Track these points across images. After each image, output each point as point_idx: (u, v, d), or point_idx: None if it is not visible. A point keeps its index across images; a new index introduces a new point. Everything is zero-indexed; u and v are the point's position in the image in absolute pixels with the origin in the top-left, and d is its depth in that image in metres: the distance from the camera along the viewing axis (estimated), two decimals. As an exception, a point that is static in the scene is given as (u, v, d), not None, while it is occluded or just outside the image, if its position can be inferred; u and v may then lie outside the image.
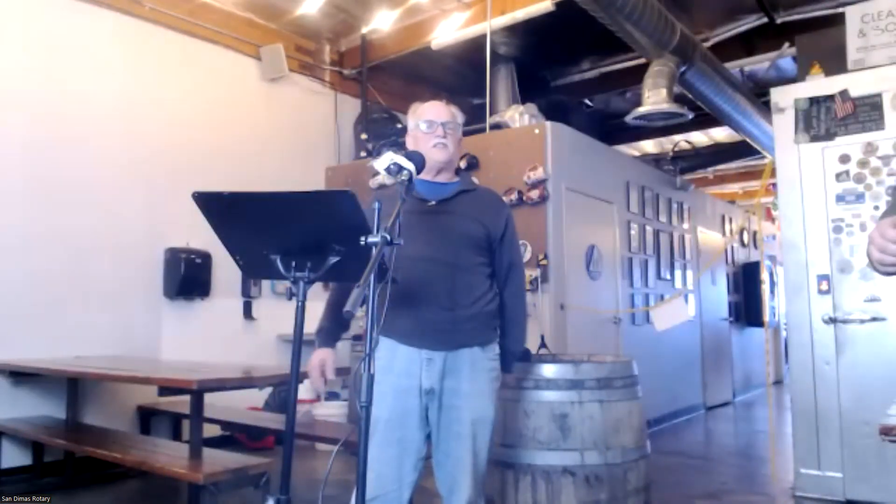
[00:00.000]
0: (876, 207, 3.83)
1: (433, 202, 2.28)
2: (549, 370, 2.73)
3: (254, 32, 6.24)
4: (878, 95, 3.91)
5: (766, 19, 6.04)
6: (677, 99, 5.45)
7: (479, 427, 2.21)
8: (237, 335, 5.80)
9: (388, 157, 1.91)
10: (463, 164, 5.54)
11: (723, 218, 8.81)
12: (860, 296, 3.86)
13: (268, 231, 1.95)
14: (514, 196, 5.22)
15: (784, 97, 4.22)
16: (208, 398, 3.55)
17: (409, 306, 2.15)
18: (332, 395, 5.78)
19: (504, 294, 2.35)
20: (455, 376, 2.20)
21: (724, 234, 8.71)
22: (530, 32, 6.21)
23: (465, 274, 2.23)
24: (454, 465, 2.21)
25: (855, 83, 4.00)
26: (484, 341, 2.25)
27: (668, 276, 7.02)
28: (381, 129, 6.76)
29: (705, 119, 7.29)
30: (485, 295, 2.26)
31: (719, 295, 8.39)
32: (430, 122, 2.30)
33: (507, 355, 2.34)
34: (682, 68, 5.54)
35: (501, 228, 2.32)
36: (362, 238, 1.68)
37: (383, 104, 7.17)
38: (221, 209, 1.99)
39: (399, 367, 2.20)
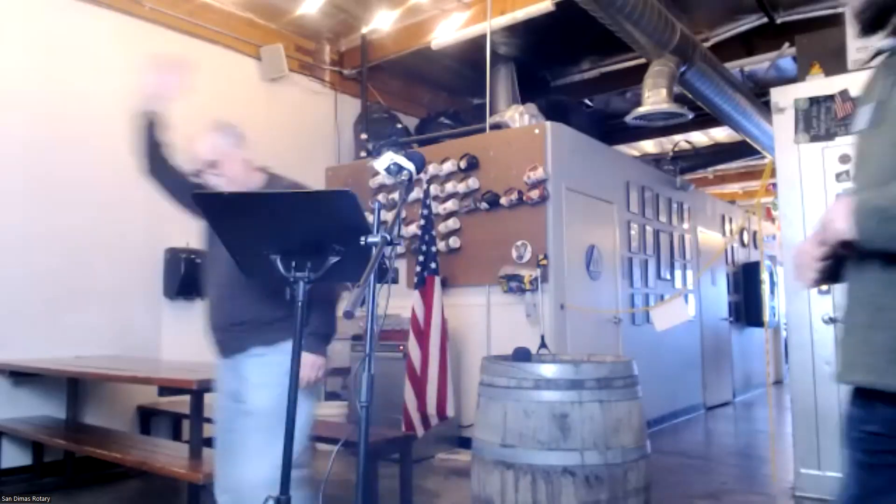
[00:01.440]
0: (876, 207, 3.83)
1: None
2: (549, 370, 2.73)
3: (254, 32, 6.24)
4: (878, 95, 3.90)
5: (766, 19, 6.04)
6: (677, 99, 5.45)
7: (271, 419, 2.15)
8: (237, 335, 5.79)
9: (388, 157, 1.91)
10: (463, 165, 5.55)
11: (723, 218, 8.81)
12: (860, 296, 3.86)
13: (268, 231, 1.96)
14: (514, 196, 5.23)
15: (784, 97, 4.22)
16: (208, 398, 3.54)
17: (209, 325, 2.43)
18: (332, 396, 5.78)
19: None
20: (246, 376, 2.33)
21: (724, 234, 8.71)
22: (530, 32, 6.21)
23: (244, 290, 2.28)
24: (244, 452, 2.26)
25: (855, 83, 3.99)
26: (267, 341, 2.29)
27: (668, 276, 7.02)
28: (381, 129, 6.76)
29: (705, 119, 7.29)
30: (266, 301, 2.29)
31: (719, 295, 8.39)
32: (201, 163, 2.37)
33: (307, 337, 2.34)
34: (682, 68, 5.54)
35: None
36: (362, 238, 1.68)
37: (383, 104, 7.17)
38: (221, 209, 1.99)
39: (219, 375, 2.45)
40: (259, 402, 2.27)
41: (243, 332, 2.32)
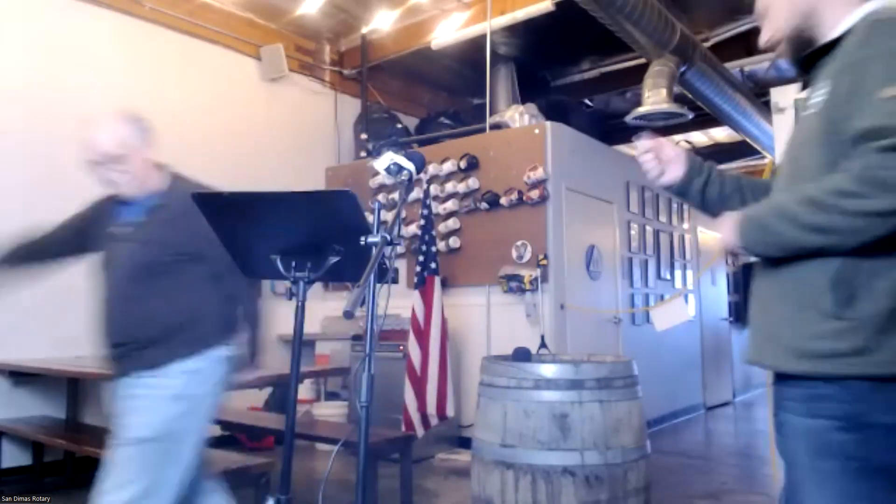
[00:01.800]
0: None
1: (122, 228, 2.24)
2: (549, 370, 2.73)
3: (254, 32, 6.24)
4: (878, 95, 3.90)
5: (766, 19, 6.03)
6: (677, 99, 5.45)
7: (146, 450, 2.09)
8: (237, 335, 5.78)
9: (388, 157, 1.91)
10: (463, 165, 5.55)
11: (723, 218, 8.80)
12: (860, 296, 3.86)
13: (268, 231, 1.95)
14: (514, 196, 5.23)
15: (784, 97, 4.22)
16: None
17: (102, 342, 2.22)
18: (332, 396, 5.78)
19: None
20: (126, 399, 2.20)
21: (724, 234, 8.71)
22: (530, 32, 6.21)
23: (136, 304, 2.16)
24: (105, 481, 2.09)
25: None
26: (152, 364, 2.15)
27: (668, 276, 7.02)
28: (381, 129, 6.77)
29: (705, 119, 7.29)
30: (159, 320, 2.17)
31: (719, 295, 8.40)
32: (92, 161, 2.26)
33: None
34: (682, 68, 5.54)
35: (200, 234, 2.04)
36: (362, 238, 1.68)
37: (383, 104, 7.17)
38: (221, 209, 1.99)
39: (115, 400, 2.27)
40: (134, 430, 2.11)
41: (135, 350, 2.15)
